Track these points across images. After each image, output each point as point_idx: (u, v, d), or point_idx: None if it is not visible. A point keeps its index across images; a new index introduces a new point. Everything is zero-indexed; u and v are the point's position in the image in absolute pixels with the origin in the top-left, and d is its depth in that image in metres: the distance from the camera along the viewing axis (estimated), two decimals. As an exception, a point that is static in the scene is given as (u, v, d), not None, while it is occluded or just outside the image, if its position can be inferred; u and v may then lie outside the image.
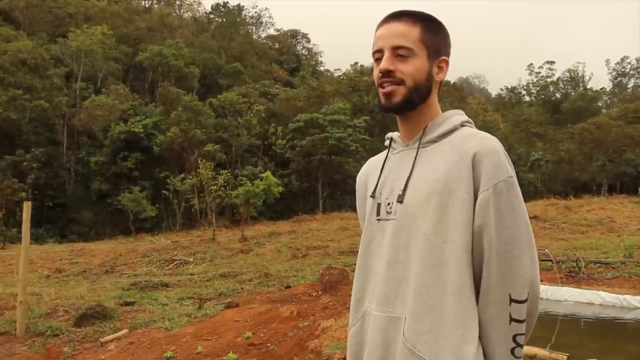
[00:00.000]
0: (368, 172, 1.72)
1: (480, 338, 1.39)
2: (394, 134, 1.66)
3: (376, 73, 1.54)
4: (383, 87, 1.52)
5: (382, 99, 1.54)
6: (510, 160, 1.43)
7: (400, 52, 1.50)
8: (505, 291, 1.36)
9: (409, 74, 1.50)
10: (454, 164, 1.43)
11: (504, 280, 1.36)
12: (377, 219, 1.59)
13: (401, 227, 1.50)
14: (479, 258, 1.39)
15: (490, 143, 1.42)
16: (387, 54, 1.51)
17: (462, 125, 1.53)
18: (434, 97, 1.57)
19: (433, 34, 1.54)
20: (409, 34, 1.50)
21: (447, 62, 1.56)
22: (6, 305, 8.73)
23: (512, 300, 1.36)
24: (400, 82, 1.50)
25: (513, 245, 1.36)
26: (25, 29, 48.42)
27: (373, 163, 1.73)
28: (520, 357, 1.40)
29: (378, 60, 1.54)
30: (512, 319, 1.37)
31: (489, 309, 1.38)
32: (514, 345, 1.38)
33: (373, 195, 1.63)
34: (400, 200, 1.51)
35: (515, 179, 1.40)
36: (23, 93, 36.71)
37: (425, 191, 1.46)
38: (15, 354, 6.26)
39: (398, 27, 1.51)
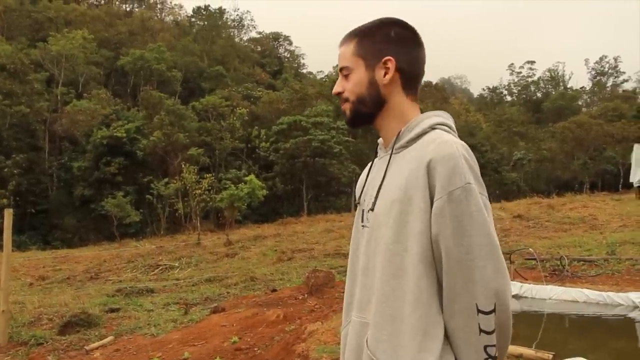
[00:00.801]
0: (362, 178, 1.72)
1: (452, 347, 1.37)
2: (380, 140, 1.66)
3: None
4: None
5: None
6: (472, 167, 1.37)
7: (344, 73, 1.57)
8: (472, 301, 1.32)
9: (349, 91, 1.56)
10: (413, 171, 1.40)
11: (468, 290, 1.32)
12: (362, 225, 1.60)
13: (371, 235, 1.51)
14: (441, 267, 1.36)
15: (447, 148, 1.36)
16: (339, 78, 1.60)
17: (432, 128, 1.49)
18: (397, 99, 1.54)
19: (368, 42, 1.54)
20: (346, 53, 1.57)
21: (391, 60, 1.51)
22: (-12, 314, 8.61)
23: (479, 311, 1.32)
24: (346, 100, 1.57)
25: (474, 255, 1.31)
26: (4, 34, 47.86)
27: (367, 167, 1.73)
28: None
29: None
30: (481, 330, 1.33)
31: (455, 319, 1.35)
32: (485, 356, 1.35)
33: (359, 202, 1.65)
34: (372, 208, 1.51)
35: (474, 186, 1.34)
36: (3, 98, 36.30)
37: (389, 200, 1.45)
38: (-1, 364, 6.19)
39: (340, 51, 1.59)
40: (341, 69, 1.58)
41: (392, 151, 1.53)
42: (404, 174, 1.43)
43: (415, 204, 1.38)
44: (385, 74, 1.52)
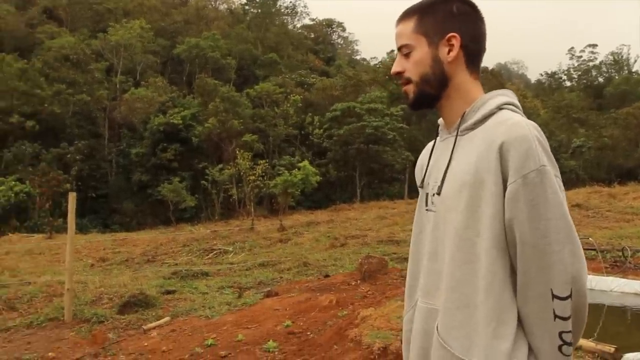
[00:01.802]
0: (423, 159, 1.67)
1: (525, 333, 1.34)
2: (441, 120, 1.61)
3: None
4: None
5: (405, 99, 1.58)
6: (546, 148, 1.32)
7: (404, 51, 1.51)
8: (547, 286, 1.28)
9: (411, 70, 1.50)
10: (483, 153, 1.36)
11: (543, 276, 1.28)
12: (426, 209, 1.56)
13: (439, 220, 1.47)
14: (514, 252, 1.32)
15: (519, 130, 1.32)
16: (397, 57, 1.54)
17: (499, 108, 1.43)
18: (461, 77, 1.49)
19: (430, 18, 1.49)
20: (404, 31, 1.51)
21: (456, 37, 1.46)
22: (54, 292, 8.98)
23: (554, 297, 1.28)
24: (409, 81, 1.51)
25: (550, 239, 1.27)
26: (68, 26, 49.51)
27: (427, 149, 1.68)
28: (569, 355, 1.33)
29: None
30: (556, 316, 1.29)
31: (529, 304, 1.32)
32: (560, 342, 1.31)
33: (422, 185, 1.61)
34: (438, 192, 1.47)
35: (549, 168, 1.30)
36: (66, 88, 37.67)
37: (458, 183, 1.41)
38: (64, 338, 6.44)
39: (398, 29, 1.54)
40: (400, 48, 1.52)
41: (457, 133, 1.48)
42: (473, 157, 1.39)
43: (487, 188, 1.34)
44: (450, 51, 1.47)
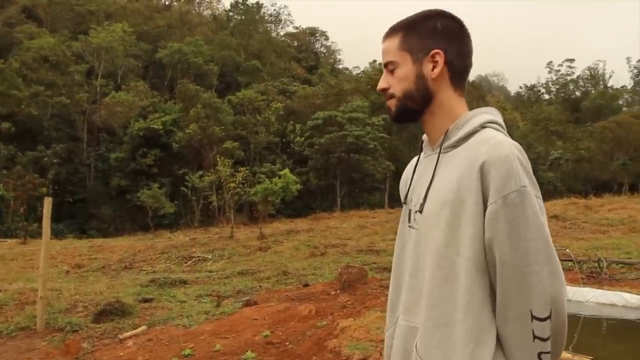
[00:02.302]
0: (407, 174, 1.66)
1: (504, 353, 1.33)
2: (425, 136, 1.60)
3: None
4: None
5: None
6: (527, 168, 1.32)
7: (389, 68, 1.52)
8: (526, 307, 1.27)
9: (395, 86, 1.51)
10: (465, 173, 1.35)
11: (522, 296, 1.27)
12: (409, 226, 1.56)
13: (420, 237, 1.47)
14: (494, 272, 1.32)
15: (501, 150, 1.31)
16: (383, 73, 1.55)
17: (482, 126, 1.43)
18: (445, 94, 1.48)
19: (414, 35, 1.49)
20: (390, 47, 1.52)
21: (440, 54, 1.46)
22: (27, 300, 8.82)
23: (533, 317, 1.27)
24: (392, 96, 1.52)
25: (529, 260, 1.26)
26: (48, 26, 48.96)
27: (411, 164, 1.68)
28: None
29: None
30: (535, 337, 1.28)
31: (508, 325, 1.31)
32: None
33: (405, 201, 1.61)
34: (420, 210, 1.47)
35: (529, 189, 1.29)
36: (45, 89, 37.19)
37: (439, 201, 1.40)
38: (35, 349, 6.31)
39: (384, 45, 1.54)
40: (386, 64, 1.53)
41: (440, 150, 1.47)
42: (455, 175, 1.38)
43: (468, 208, 1.33)
44: (434, 67, 1.47)
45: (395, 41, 1.51)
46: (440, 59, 1.46)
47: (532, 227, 1.28)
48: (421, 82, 1.47)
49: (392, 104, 1.53)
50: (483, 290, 1.33)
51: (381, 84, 1.54)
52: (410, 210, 1.56)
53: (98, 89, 42.65)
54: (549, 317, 1.28)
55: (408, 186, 1.61)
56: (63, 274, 13.54)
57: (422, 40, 1.48)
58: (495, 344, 1.32)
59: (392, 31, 1.53)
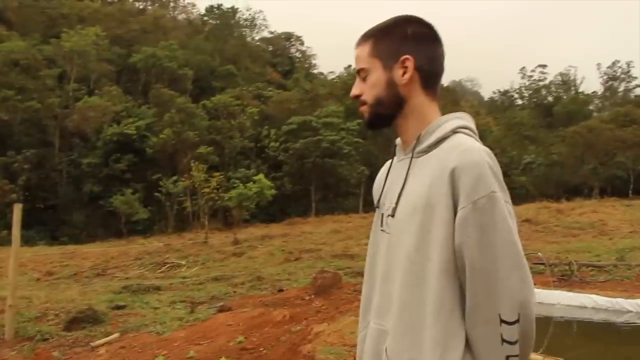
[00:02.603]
0: (381, 178, 1.67)
1: (473, 357, 1.34)
2: (399, 140, 1.61)
3: None
4: None
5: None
6: (497, 174, 1.33)
7: (361, 75, 1.53)
8: (495, 311, 1.29)
9: (367, 93, 1.51)
10: (436, 178, 1.36)
11: (491, 301, 1.29)
12: (381, 230, 1.56)
13: (392, 242, 1.47)
14: (464, 277, 1.33)
15: (471, 156, 1.33)
16: (356, 80, 1.56)
17: (454, 132, 1.44)
18: (417, 99, 1.49)
19: (385, 42, 1.50)
20: (361, 54, 1.53)
21: (409, 59, 1.47)
22: (-5, 308, 8.65)
23: (502, 321, 1.29)
24: (364, 103, 1.53)
25: (498, 265, 1.28)
26: (18, 30, 48.10)
27: (385, 168, 1.68)
28: None
29: None
30: (503, 340, 1.30)
31: (477, 329, 1.32)
32: None
33: (378, 205, 1.61)
34: (392, 214, 1.47)
35: (499, 194, 1.31)
36: (15, 94, 36.50)
37: (410, 206, 1.41)
38: (4, 358, 6.19)
39: (356, 52, 1.55)
40: (358, 72, 1.54)
41: (412, 155, 1.48)
42: (427, 181, 1.39)
43: (438, 213, 1.34)
44: (404, 73, 1.47)
45: (366, 48, 1.52)
46: (410, 64, 1.47)
47: (501, 233, 1.29)
48: (392, 88, 1.48)
49: (364, 110, 1.53)
50: (453, 295, 1.34)
51: (354, 91, 1.55)
52: (382, 215, 1.56)
53: (70, 94, 42.03)
54: (517, 321, 1.29)
55: (381, 190, 1.61)
56: (33, 282, 13.33)
57: (392, 46, 1.49)
58: (464, 347, 1.33)
59: (364, 38, 1.54)
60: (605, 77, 76.12)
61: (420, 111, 1.50)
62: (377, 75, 1.49)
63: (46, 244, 28.10)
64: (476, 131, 1.50)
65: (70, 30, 44.63)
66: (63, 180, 38.58)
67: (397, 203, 1.47)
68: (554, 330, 6.83)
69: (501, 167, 1.38)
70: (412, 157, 1.48)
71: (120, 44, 52.27)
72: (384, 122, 1.55)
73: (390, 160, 1.65)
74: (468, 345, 1.34)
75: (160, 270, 14.81)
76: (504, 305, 1.29)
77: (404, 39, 1.49)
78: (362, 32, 1.57)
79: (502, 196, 1.32)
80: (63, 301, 9.47)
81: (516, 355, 1.32)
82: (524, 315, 1.30)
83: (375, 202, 1.63)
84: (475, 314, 1.32)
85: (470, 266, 1.30)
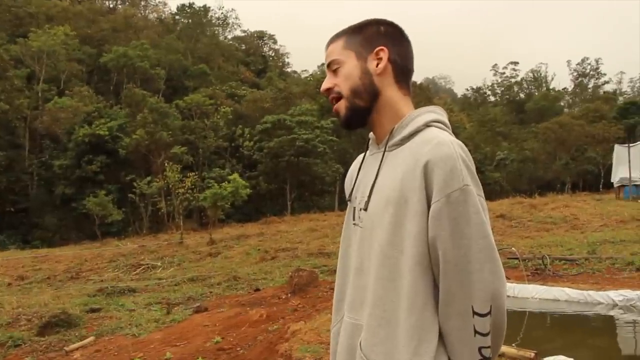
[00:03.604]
0: (352, 172, 1.67)
1: (446, 349, 1.36)
2: (372, 134, 1.61)
3: None
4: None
5: (338, 119, 1.56)
6: (470, 167, 1.34)
7: (332, 68, 1.52)
8: (467, 303, 1.31)
9: (341, 84, 1.50)
10: (409, 172, 1.37)
11: (464, 293, 1.30)
12: (353, 223, 1.57)
13: (365, 235, 1.47)
14: (437, 270, 1.34)
15: (444, 149, 1.33)
16: (327, 76, 1.54)
17: (427, 125, 1.45)
18: (390, 92, 1.50)
19: (358, 35, 1.51)
20: (335, 48, 1.52)
21: (384, 50, 1.48)
22: (-34, 314, 8.49)
23: (474, 313, 1.31)
24: (339, 96, 1.51)
25: (471, 258, 1.29)
26: (-17, 29, 47.20)
27: (357, 162, 1.68)
28: None
29: None
30: (476, 332, 1.32)
31: (450, 321, 1.34)
32: (479, 357, 1.33)
33: (349, 199, 1.61)
34: (365, 207, 1.48)
35: (472, 187, 1.32)
36: (-19, 95, 35.79)
37: (383, 200, 1.41)
38: (-25, 366, 6.09)
39: (328, 49, 1.55)
40: (329, 64, 1.53)
41: (385, 149, 1.49)
42: (399, 174, 1.40)
43: (411, 206, 1.35)
44: (378, 64, 1.49)
45: (339, 43, 1.52)
46: (384, 55, 1.48)
47: (474, 225, 1.30)
48: (367, 78, 1.48)
49: (340, 105, 1.51)
50: (426, 288, 1.35)
51: (325, 84, 1.53)
52: (354, 208, 1.57)
53: (40, 95, 41.30)
54: (489, 312, 1.31)
55: (353, 184, 1.61)
56: (4, 287, 13.11)
57: (366, 40, 1.50)
58: (437, 341, 1.34)
59: (336, 36, 1.55)
60: (575, 73, 77.60)
61: (393, 105, 1.51)
62: (352, 65, 1.49)
63: (17, 248, 27.60)
64: (449, 125, 1.51)
65: (39, 29, 43.87)
66: (34, 182, 37.93)
67: (369, 196, 1.47)
68: (528, 324, 6.94)
69: (475, 163, 1.39)
70: (384, 151, 1.48)
71: (91, 44, 51.58)
72: (361, 117, 1.52)
73: (362, 154, 1.65)
74: (441, 338, 1.36)
75: (135, 272, 14.67)
76: (477, 297, 1.30)
77: (377, 34, 1.51)
78: (332, 34, 1.58)
79: (475, 189, 1.33)
80: (36, 306, 9.33)
81: (488, 347, 1.34)
82: (496, 306, 1.32)
83: (348, 195, 1.63)
84: (448, 307, 1.33)
85: (444, 259, 1.31)
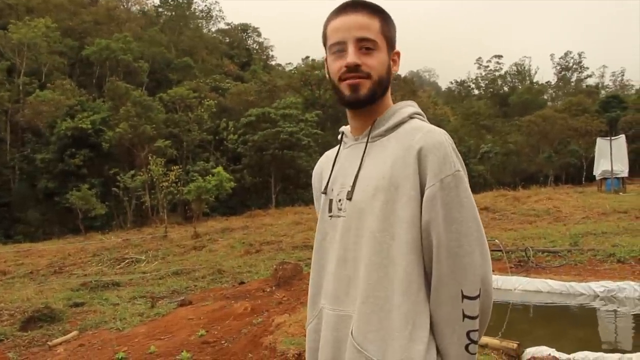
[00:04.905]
0: (323, 167, 1.69)
1: (433, 335, 1.38)
2: (346, 128, 1.62)
3: (336, 66, 1.47)
4: (345, 80, 1.46)
5: (347, 92, 1.47)
6: (458, 154, 1.39)
7: (365, 45, 1.45)
8: (457, 288, 1.33)
9: (375, 68, 1.46)
10: (399, 159, 1.39)
11: (454, 277, 1.33)
12: (330, 216, 1.57)
13: (350, 224, 1.47)
14: (429, 255, 1.36)
15: (436, 137, 1.38)
16: (352, 47, 1.45)
17: (410, 117, 1.49)
18: (388, 91, 1.55)
19: (389, 27, 1.52)
20: (371, 26, 1.46)
21: (399, 55, 1.55)
22: (-53, 310, 8.40)
23: (464, 297, 1.33)
24: (367, 76, 1.45)
25: (463, 241, 1.33)
26: (-39, 21, 46.46)
27: (328, 157, 1.70)
28: (475, 354, 1.38)
29: (338, 52, 1.47)
30: (465, 316, 1.34)
31: (441, 306, 1.36)
32: (467, 341, 1.36)
33: (325, 192, 1.60)
34: (349, 197, 1.48)
35: (462, 173, 1.36)
36: (-40, 88, 35.27)
37: (372, 188, 1.42)
38: (-44, 361, 6.03)
39: (359, 18, 1.46)
40: (362, 39, 1.45)
41: (367, 139, 1.50)
42: (388, 162, 1.42)
43: (404, 192, 1.37)
44: (394, 65, 1.54)
45: (375, 22, 1.47)
46: (399, 60, 1.54)
47: (466, 209, 1.34)
48: (388, 74, 1.51)
49: (364, 84, 1.46)
50: (419, 274, 1.37)
51: (354, 59, 1.44)
52: (331, 200, 1.56)
53: (21, 88, 40.77)
54: (478, 296, 1.34)
55: (328, 176, 1.61)
56: (-14, 282, 12.96)
57: (394, 37, 1.53)
58: (429, 326, 1.37)
59: (366, 9, 1.48)
60: (558, 67, 78.28)
61: (387, 100, 1.55)
62: (384, 56, 1.49)
63: (0, 243, 27.31)
64: (426, 117, 1.56)
65: (19, 21, 43.25)
66: (16, 177, 37.52)
67: (353, 186, 1.48)
68: (511, 315, 7.00)
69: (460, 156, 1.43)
70: (367, 141, 1.50)
71: (72, 36, 50.97)
72: (370, 102, 1.49)
73: (336, 148, 1.66)
74: (430, 324, 1.38)
75: (119, 266, 14.59)
76: (467, 280, 1.33)
77: (395, 33, 1.55)
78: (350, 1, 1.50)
79: (464, 175, 1.38)
80: (18, 300, 9.26)
81: (476, 330, 1.37)
82: (485, 290, 1.36)
83: (323, 188, 1.62)
84: (439, 291, 1.36)
85: (437, 242, 1.34)
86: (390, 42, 1.51)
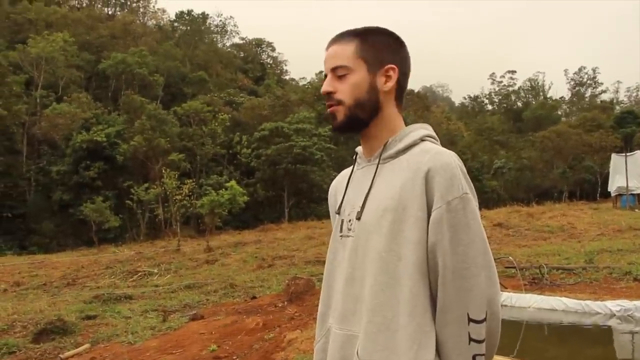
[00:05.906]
0: (337, 187, 1.68)
1: (439, 356, 1.36)
2: (359, 149, 1.62)
3: None
4: (329, 109, 1.52)
5: (332, 120, 1.53)
6: (467, 176, 1.38)
7: (338, 73, 1.49)
8: (463, 310, 1.32)
9: (345, 92, 1.48)
10: (408, 180, 1.39)
11: (460, 300, 1.32)
12: (340, 235, 1.57)
13: (358, 244, 1.47)
14: (435, 277, 1.35)
15: (444, 159, 1.37)
16: (328, 77, 1.51)
17: (422, 140, 1.48)
18: (390, 109, 1.52)
19: (372, 46, 1.50)
20: (343, 52, 1.49)
21: (395, 69, 1.50)
22: (-39, 321, 8.45)
23: (470, 320, 1.32)
24: (338, 103, 1.49)
25: (469, 264, 1.32)
26: (-18, 35, 47.23)
27: (342, 177, 1.70)
28: None
29: None
30: (471, 339, 1.33)
31: (447, 328, 1.34)
32: None
33: (338, 212, 1.61)
34: (358, 217, 1.48)
35: (470, 195, 1.36)
36: (-21, 100, 35.74)
37: (380, 208, 1.42)
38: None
39: (334, 48, 1.51)
40: (335, 68, 1.50)
41: (379, 161, 1.50)
42: (397, 183, 1.41)
43: (411, 213, 1.37)
44: (386, 81, 1.50)
45: (349, 47, 1.49)
46: (394, 75, 1.49)
47: (473, 232, 1.33)
48: (373, 93, 1.49)
49: (339, 110, 1.50)
50: (425, 294, 1.36)
51: (326, 87, 1.50)
52: (343, 220, 1.57)
53: (38, 101, 41.32)
54: (484, 319, 1.33)
55: (342, 197, 1.61)
56: (0, 293, 13.04)
57: (378, 53, 1.50)
58: (435, 347, 1.35)
59: (345, 36, 1.52)
60: (572, 82, 77.95)
61: (391, 120, 1.53)
62: (361, 76, 1.48)
63: (14, 254, 27.54)
64: (439, 140, 1.55)
65: (37, 35, 43.92)
66: (32, 188, 37.90)
67: (363, 206, 1.48)
68: (525, 334, 6.92)
69: (472, 172, 1.43)
70: (379, 163, 1.50)
71: (90, 50, 51.68)
72: (356, 127, 1.53)
73: (350, 168, 1.66)
74: (436, 346, 1.36)
75: (131, 279, 14.62)
76: (473, 303, 1.32)
77: (388, 48, 1.51)
78: (339, 32, 1.55)
79: (472, 198, 1.37)
80: (31, 312, 9.29)
81: (482, 354, 1.35)
82: (492, 313, 1.34)
83: (336, 208, 1.62)
84: (445, 314, 1.34)
85: (443, 264, 1.33)
86: (374, 60, 1.49)
